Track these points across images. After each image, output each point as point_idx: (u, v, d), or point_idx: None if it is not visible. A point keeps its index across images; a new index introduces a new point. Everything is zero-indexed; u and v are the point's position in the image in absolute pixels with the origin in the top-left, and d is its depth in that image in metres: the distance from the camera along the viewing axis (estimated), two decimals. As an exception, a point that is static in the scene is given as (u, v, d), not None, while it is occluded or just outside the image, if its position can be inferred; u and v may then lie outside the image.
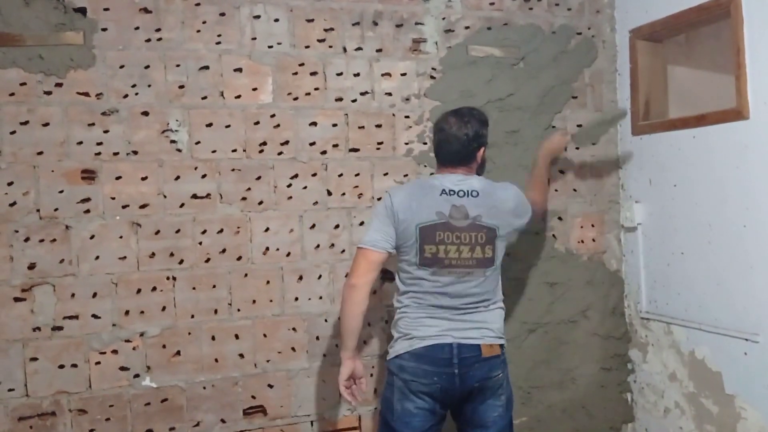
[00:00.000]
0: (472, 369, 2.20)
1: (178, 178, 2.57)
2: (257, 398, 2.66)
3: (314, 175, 2.73)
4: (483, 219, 2.24)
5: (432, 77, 2.89)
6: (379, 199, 2.79)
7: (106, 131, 2.49)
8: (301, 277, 2.71)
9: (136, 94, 2.52)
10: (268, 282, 2.67)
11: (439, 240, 2.21)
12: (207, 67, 2.60)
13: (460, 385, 2.19)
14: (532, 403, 3.01)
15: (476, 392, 2.22)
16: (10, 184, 2.39)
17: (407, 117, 2.85)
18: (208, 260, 2.60)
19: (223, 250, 2.61)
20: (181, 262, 2.56)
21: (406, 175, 2.85)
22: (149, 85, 2.53)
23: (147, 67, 2.53)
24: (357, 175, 2.79)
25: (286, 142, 2.70)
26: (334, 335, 2.72)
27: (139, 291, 2.52)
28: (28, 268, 2.40)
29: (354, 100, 2.78)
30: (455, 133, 2.28)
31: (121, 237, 2.50)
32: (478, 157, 2.33)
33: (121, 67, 2.50)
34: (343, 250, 2.76)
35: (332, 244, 2.75)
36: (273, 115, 2.68)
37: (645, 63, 3.03)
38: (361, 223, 2.78)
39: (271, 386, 2.67)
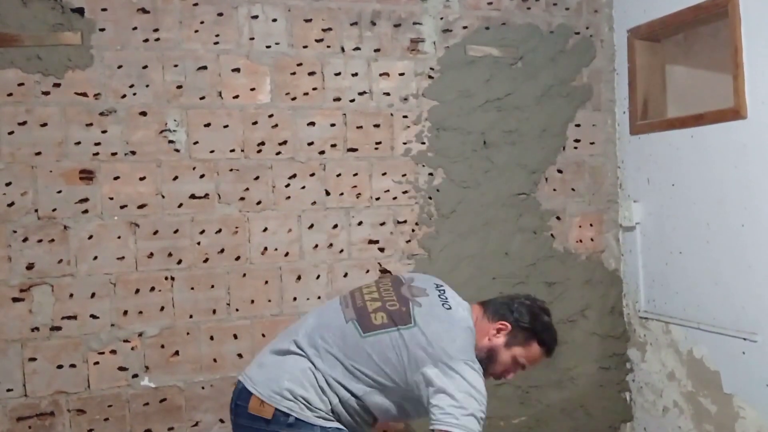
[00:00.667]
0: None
1: (176, 178, 2.57)
2: (256, 398, 2.66)
3: (312, 175, 2.73)
4: (410, 298, 1.88)
5: (430, 77, 2.89)
6: (378, 199, 2.79)
7: (104, 131, 2.49)
8: (299, 277, 2.71)
9: (134, 94, 2.52)
10: (266, 282, 2.67)
11: None
12: (205, 67, 2.60)
13: None
14: (530, 402, 3.01)
15: None
16: (8, 184, 2.39)
17: (405, 117, 2.85)
18: (206, 260, 2.60)
19: (222, 250, 2.61)
20: (180, 262, 2.57)
21: (404, 175, 2.85)
22: (147, 85, 2.53)
23: (145, 67, 2.53)
24: (355, 174, 2.79)
25: (285, 142, 2.70)
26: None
27: (137, 291, 2.52)
28: (26, 268, 2.40)
29: (352, 100, 2.78)
30: (512, 295, 2.04)
31: (119, 237, 2.50)
32: (496, 325, 1.90)
33: (119, 67, 2.50)
34: (342, 250, 2.76)
35: (331, 244, 2.75)
36: (271, 115, 2.68)
37: (643, 62, 3.03)
38: (360, 223, 2.78)
39: (269, 386, 2.67)
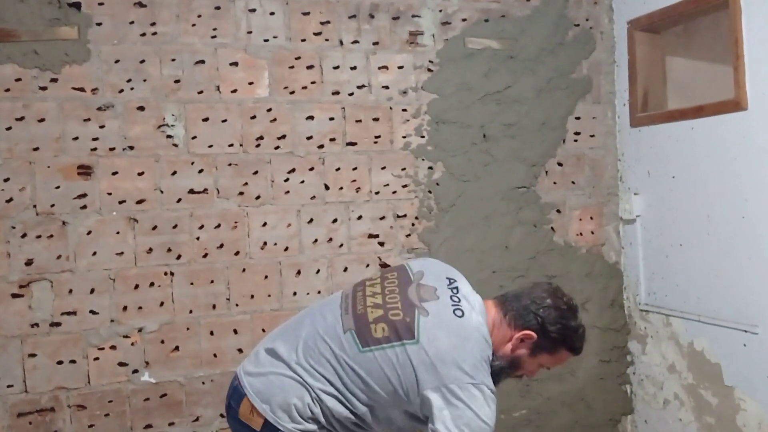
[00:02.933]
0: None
1: (174, 173, 2.56)
2: (256, 393, 2.66)
3: (311, 169, 2.72)
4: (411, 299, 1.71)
5: (429, 70, 2.87)
6: (377, 193, 2.79)
7: (101, 126, 2.48)
8: (299, 272, 2.70)
9: (132, 88, 2.51)
10: (266, 277, 2.66)
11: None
12: (203, 62, 2.59)
13: None
14: (531, 395, 3.01)
15: None
16: (6, 180, 2.38)
17: (404, 110, 2.84)
18: (205, 255, 2.59)
19: (221, 245, 2.61)
20: (179, 257, 2.56)
21: (403, 169, 2.84)
22: (145, 80, 2.52)
23: (142, 61, 2.52)
24: (354, 168, 2.78)
25: (283, 137, 2.69)
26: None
27: (136, 287, 2.51)
28: (25, 264, 2.40)
29: (351, 94, 2.77)
30: (535, 288, 1.83)
31: (118, 232, 2.49)
32: (520, 335, 1.73)
33: (117, 61, 2.49)
34: (341, 245, 2.75)
35: (330, 239, 2.75)
36: (269, 110, 2.67)
37: (643, 54, 3.01)
38: (359, 217, 2.78)
39: (270, 381, 2.67)
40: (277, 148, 2.68)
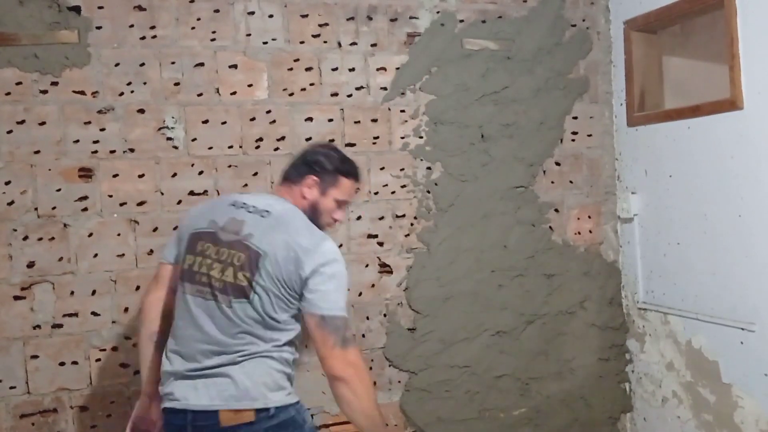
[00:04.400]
0: None
1: (175, 175, 2.58)
2: (257, 393, 2.67)
3: (311, 170, 2.74)
4: (253, 240, 1.83)
5: (427, 71, 2.89)
6: (376, 193, 2.81)
7: (102, 129, 2.50)
8: (299, 272, 2.72)
9: (132, 91, 2.52)
10: (266, 277, 2.68)
11: (199, 251, 1.88)
12: (202, 64, 2.60)
13: None
14: (530, 394, 3.02)
15: None
16: (7, 183, 2.40)
17: (403, 111, 2.86)
18: (206, 256, 2.60)
19: (221, 246, 2.62)
20: (180, 258, 2.57)
21: (402, 169, 2.86)
22: (145, 83, 2.54)
23: (142, 64, 2.53)
24: (353, 169, 2.79)
25: (283, 138, 2.70)
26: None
27: (137, 288, 2.53)
28: (27, 266, 2.42)
29: (349, 95, 2.79)
30: (300, 152, 2.12)
31: (119, 234, 2.51)
32: (304, 184, 2.00)
33: (117, 65, 2.51)
34: (341, 245, 2.77)
35: (330, 239, 2.76)
36: (269, 111, 2.69)
37: (640, 54, 3.03)
38: (359, 218, 2.79)
39: (270, 381, 2.69)
40: (276, 149, 2.70)
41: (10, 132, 2.40)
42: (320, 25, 2.75)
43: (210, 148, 2.62)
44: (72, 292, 2.46)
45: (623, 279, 3.18)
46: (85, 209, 2.48)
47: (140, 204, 2.54)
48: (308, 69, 2.74)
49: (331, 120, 2.76)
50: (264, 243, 1.82)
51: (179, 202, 2.58)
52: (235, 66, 2.64)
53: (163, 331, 1.98)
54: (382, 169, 2.83)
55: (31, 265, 2.42)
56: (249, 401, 1.77)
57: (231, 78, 2.64)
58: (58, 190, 2.45)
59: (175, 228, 2.56)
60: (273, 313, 1.81)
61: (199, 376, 1.81)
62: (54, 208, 2.44)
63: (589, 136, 3.13)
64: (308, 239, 1.84)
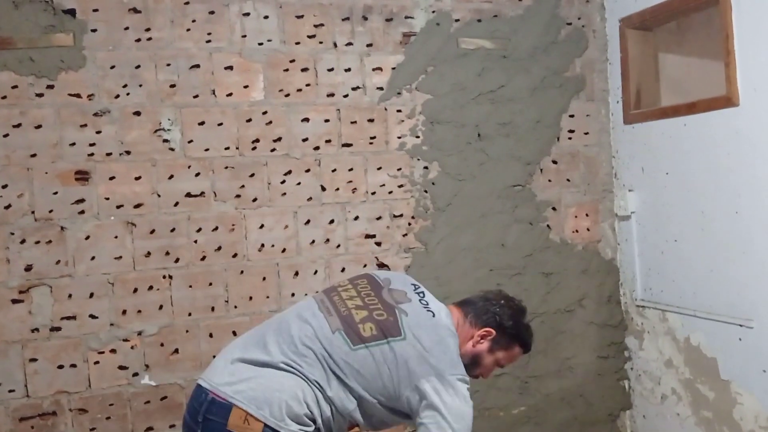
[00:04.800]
0: None
1: (171, 177, 2.58)
2: (256, 394, 2.68)
3: (308, 170, 2.74)
4: (403, 318, 1.79)
5: (423, 70, 2.89)
6: (373, 193, 2.81)
7: (98, 132, 2.50)
8: (296, 273, 2.72)
9: (128, 94, 2.52)
10: (264, 278, 2.68)
11: (356, 282, 1.94)
12: (198, 66, 2.60)
13: None
14: (530, 392, 3.03)
15: None
16: (4, 186, 2.40)
17: (399, 111, 2.86)
18: (203, 258, 2.61)
19: (219, 248, 2.63)
20: (177, 260, 2.58)
21: (399, 169, 2.86)
22: (140, 85, 2.54)
23: (138, 67, 2.53)
24: (350, 170, 2.80)
25: (279, 139, 2.70)
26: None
27: (135, 290, 2.53)
28: (24, 269, 2.42)
29: (346, 95, 2.79)
30: (495, 293, 2.01)
31: (116, 237, 2.51)
32: (480, 331, 1.89)
33: (112, 67, 2.51)
34: (339, 245, 2.77)
35: (327, 240, 2.76)
36: (265, 112, 2.69)
37: (635, 52, 3.03)
38: (356, 218, 2.79)
39: (269, 382, 2.69)
40: (273, 150, 2.70)
41: (6, 136, 2.40)
42: (316, 26, 2.75)
43: (206, 149, 2.62)
44: (70, 295, 2.46)
45: (621, 276, 3.18)
46: (82, 212, 2.48)
47: (137, 206, 2.54)
48: (304, 70, 2.74)
49: (327, 120, 2.76)
50: (409, 327, 1.77)
51: (176, 204, 2.58)
52: (230, 67, 2.64)
53: None
54: (379, 169, 2.83)
55: (28, 268, 2.42)
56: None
57: (227, 79, 2.64)
58: (55, 193, 2.45)
59: (172, 230, 2.56)
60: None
61: None
62: (51, 211, 2.44)
63: (586, 134, 3.13)
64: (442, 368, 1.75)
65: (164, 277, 2.56)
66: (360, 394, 1.75)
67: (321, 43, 2.76)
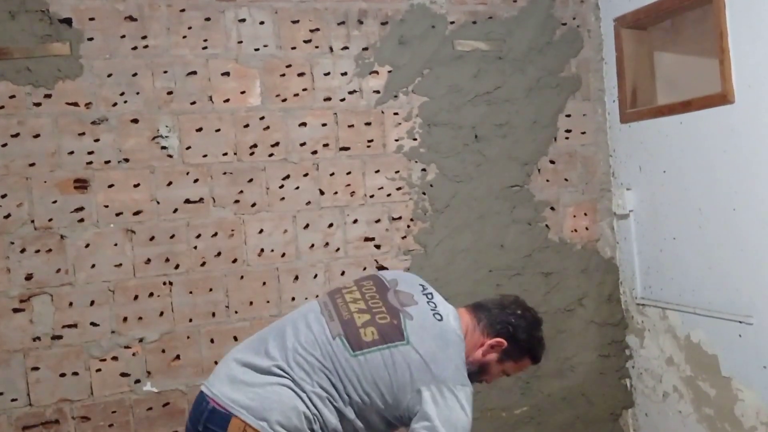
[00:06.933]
0: None
1: (170, 183, 2.58)
2: (258, 399, 2.68)
3: (306, 175, 2.75)
4: (407, 321, 1.77)
5: (419, 73, 2.90)
6: (372, 196, 2.81)
7: (96, 140, 2.50)
8: (296, 277, 2.73)
9: (125, 102, 2.53)
10: (264, 283, 2.69)
11: (362, 283, 1.92)
12: (194, 73, 2.61)
13: None
14: (531, 392, 3.03)
15: None
16: (3, 196, 2.41)
17: (396, 114, 2.87)
18: (203, 264, 2.61)
19: (218, 254, 2.63)
20: (177, 267, 2.58)
21: (397, 172, 2.86)
22: (137, 93, 2.55)
23: (134, 74, 2.54)
24: (348, 173, 2.80)
25: (277, 144, 2.71)
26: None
27: (136, 297, 2.54)
28: (25, 278, 2.42)
29: (342, 99, 2.80)
30: (511, 300, 1.95)
31: (115, 244, 2.52)
32: (491, 341, 1.85)
33: (109, 75, 2.52)
34: (338, 249, 2.78)
35: (327, 243, 2.77)
36: (262, 118, 2.70)
37: (630, 51, 3.04)
38: (355, 221, 2.80)
39: (271, 386, 2.69)
40: (271, 155, 2.71)
41: (4, 145, 2.41)
42: (311, 31, 2.76)
43: (204, 155, 2.62)
44: (71, 303, 2.47)
45: (621, 275, 3.18)
46: (82, 220, 2.49)
47: (136, 213, 2.54)
48: (300, 74, 2.75)
49: (324, 125, 2.77)
50: (412, 332, 1.74)
51: (175, 210, 2.59)
52: (227, 73, 2.65)
53: None
54: (377, 172, 2.84)
55: (29, 277, 2.43)
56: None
57: (224, 85, 2.65)
58: (54, 201, 2.46)
59: (172, 237, 2.57)
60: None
61: None
62: (50, 220, 2.45)
63: (583, 133, 3.14)
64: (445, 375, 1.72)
65: (164, 283, 2.57)
66: (359, 400, 1.72)
67: (317, 47, 2.77)
